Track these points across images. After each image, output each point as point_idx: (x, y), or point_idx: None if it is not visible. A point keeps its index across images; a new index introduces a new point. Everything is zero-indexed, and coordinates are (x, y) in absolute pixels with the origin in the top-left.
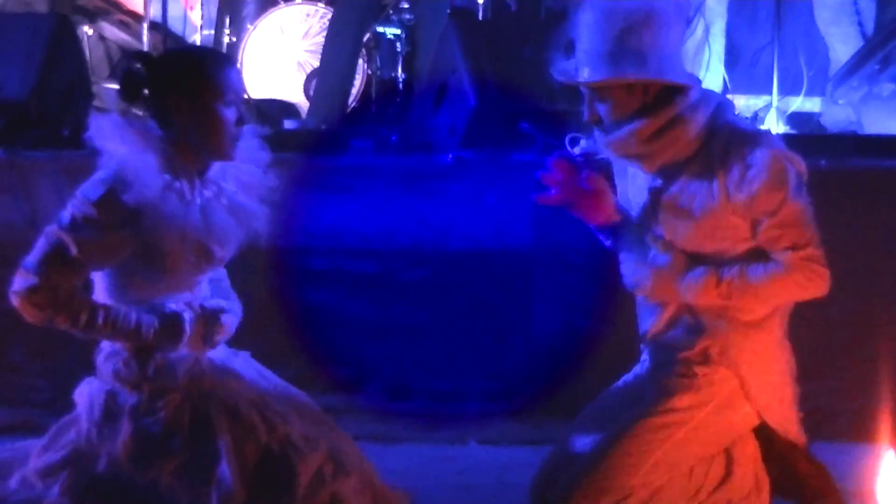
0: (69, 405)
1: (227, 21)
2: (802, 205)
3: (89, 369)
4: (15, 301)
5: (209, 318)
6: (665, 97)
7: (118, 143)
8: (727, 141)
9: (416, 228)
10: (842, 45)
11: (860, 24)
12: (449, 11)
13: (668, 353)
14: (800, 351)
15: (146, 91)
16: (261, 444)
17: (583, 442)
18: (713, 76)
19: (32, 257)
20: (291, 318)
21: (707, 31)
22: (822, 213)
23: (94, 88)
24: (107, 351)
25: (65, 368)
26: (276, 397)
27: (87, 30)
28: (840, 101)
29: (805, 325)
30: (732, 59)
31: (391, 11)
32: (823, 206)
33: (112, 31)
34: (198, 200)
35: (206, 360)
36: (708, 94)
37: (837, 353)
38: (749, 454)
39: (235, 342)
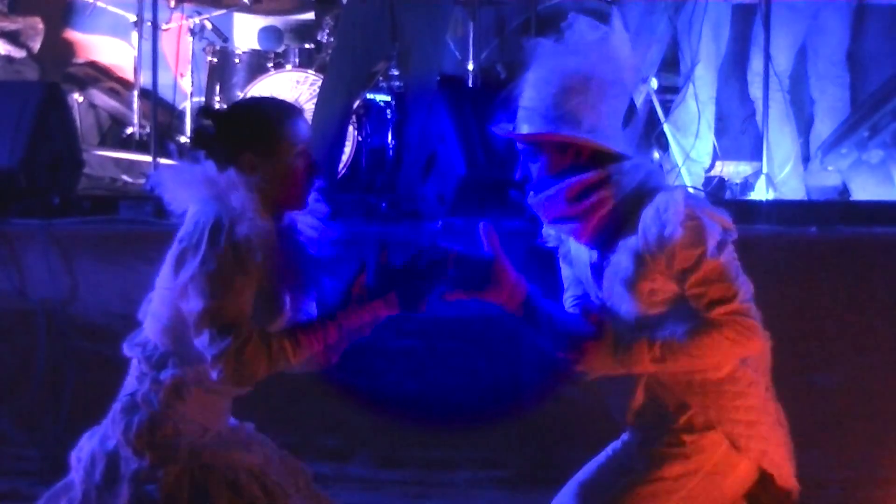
0: (58, 474)
1: (218, 88)
2: (724, 261)
3: (78, 438)
4: (232, 381)
5: None
6: (596, 161)
7: (197, 188)
8: (650, 204)
9: None
10: (828, 113)
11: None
12: (438, 79)
13: (654, 428)
14: (788, 419)
15: (218, 148)
16: None
17: None
18: (703, 143)
19: (206, 344)
20: (280, 387)
21: (697, 98)
22: (812, 280)
23: (84, 156)
24: (125, 402)
25: (54, 438)
26: (277, 468)
27: (77, 97)
28: (829, 168)
29: (792, 393)
30: (722, 127)
31: (381, 79)
32: (813, 273)
33: (102, 99)
34: (280, 248)
35: (211, 433)
36: (640, 163)
37: (826, 421)
38: None
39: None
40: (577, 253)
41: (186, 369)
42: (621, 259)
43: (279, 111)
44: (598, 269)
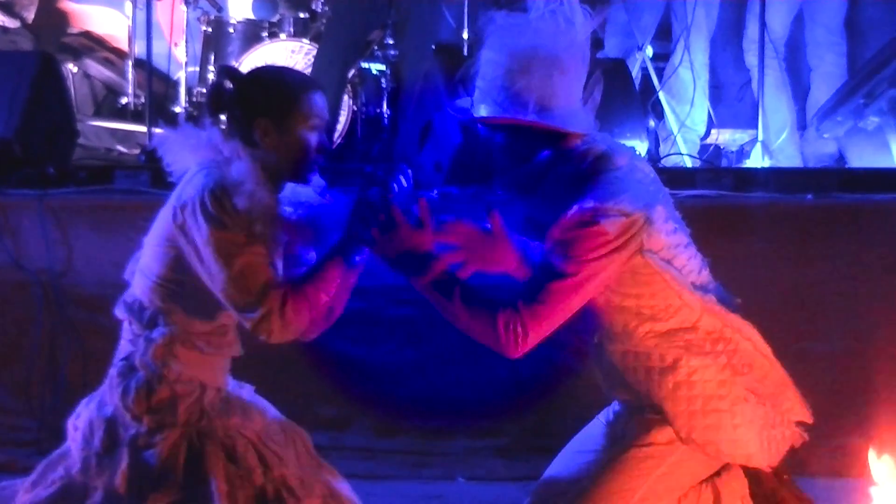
0: (55, 444)
1: (212, 58)
2: (575, 277)
3: (75, 408)
4: (279, 340)
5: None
6: (550, 141)
7: (201, 153)
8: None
9: None
10: (825, 80)
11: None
12: (434, 48)
13: (638, 398)
14: None
15: (232, 109)
16: (256, 487)
17: (567, 480)
18: (698, 110)
19: (240, 312)
20: (277, 356)
21: (692, 66)
22: (808, 246)
23: (79, 126)
24: (121, 366)
25: (50, 407)
26: (276, 436)
27: (71, 67)
28: (825, 136)
29: (787, 360)
30: (718, 95)
31: (376, 48)
32: (809, 240)
33: (97, 69)
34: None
35: (210, 394)
36: (595, 142)
37: (823, 388)
38: (736, 491)
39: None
40: None
41: (176, 328)
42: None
43: (300, 82)
44: None
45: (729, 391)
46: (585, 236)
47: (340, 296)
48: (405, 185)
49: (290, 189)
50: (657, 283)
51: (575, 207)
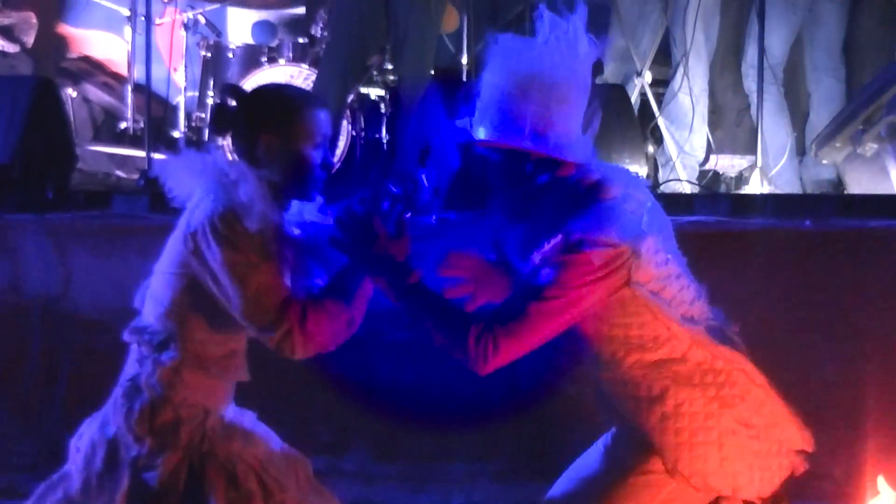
0: (53, 468)
1: (212, 82)
2: (555, 302)
3: (74, 431)
4: (305, 355)
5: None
6: (545, 168)
7: (205, 177)
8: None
9: None
10: (823, 105)
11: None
12: (432, 72)
13: (635, 424)
14: None
15: (236, 127)
16: None
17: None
18: (697, 136)
19: (261, 331)
20: (275, 380)
21: (691, 91)
22: (807, 273)
23: (78, 151)
24: (126, 387)
25: (48, 431)
26: (277, 462)
27: (70, 92)
28: (824, 161)
29: (788, 386)
30: (717, 120)
31: (375, 73)
32: (808, 266)
33: (96, 93)
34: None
35: (212, 419)
36: (590, 171)
37: (822, 414)
38: None
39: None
40: None
41: (187, 353)
42: None
43: (303, 99)
44: None
45: (717, 423)
46: (570, 263)
47: (359, 304)
48: (426, 183)
49: (293, 207)
50: (645, 315)
51: (562, 234)
